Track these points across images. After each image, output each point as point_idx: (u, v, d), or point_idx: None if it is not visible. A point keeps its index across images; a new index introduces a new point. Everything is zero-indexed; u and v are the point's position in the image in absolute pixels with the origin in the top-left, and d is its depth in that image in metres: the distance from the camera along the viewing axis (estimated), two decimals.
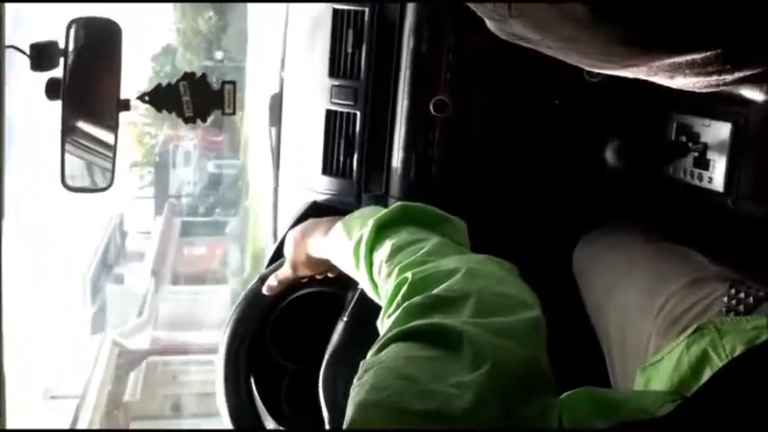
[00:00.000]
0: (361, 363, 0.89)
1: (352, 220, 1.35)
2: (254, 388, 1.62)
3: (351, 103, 1.75)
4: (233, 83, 1.76)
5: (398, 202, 1.28)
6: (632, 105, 1.75)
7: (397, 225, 1.22)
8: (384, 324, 1.03)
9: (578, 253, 1.77)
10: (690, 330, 1.18)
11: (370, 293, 1.25)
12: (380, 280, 1.16)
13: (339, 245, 1.34)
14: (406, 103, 1.72)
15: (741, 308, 1.34)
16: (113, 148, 1.55)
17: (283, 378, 1.66)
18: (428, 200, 1.70)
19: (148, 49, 15.28)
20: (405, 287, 1.02)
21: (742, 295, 1.36)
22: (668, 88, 1.45)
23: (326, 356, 1.52)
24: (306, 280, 1.59)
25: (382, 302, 1.11)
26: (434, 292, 0.97)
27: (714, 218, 1.65)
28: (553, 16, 0.93)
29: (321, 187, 1.83)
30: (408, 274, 1.04)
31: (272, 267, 1.61)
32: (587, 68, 1.15)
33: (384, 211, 1.26)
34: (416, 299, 0.97)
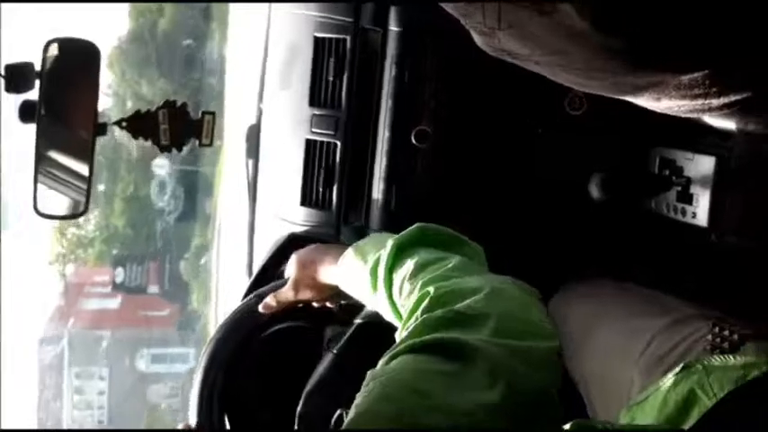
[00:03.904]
0: (369, 372, 0.87)
1: (364, 245, 1.34)
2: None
3: (331, 132, 1.73)
4: (213, 113, 1.74)
5: (416, 224, 1.25)
6: (614, 138, 1.74)
7: (417, 246, 1.21)
8: (400, 335, 1.01)
9: (553, 302, 1.75)
10: (677, 369, 1.16)
11: (387, 315, 1.23)
12: (401, 298, 1.15)
13: (351, 270, 1.33)
14: (387, 133, 1.70)
15: (726, 346, 1.33)
16: (89, 174, 1.51)
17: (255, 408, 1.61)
18: None
19: None
20: (426, 300, 1.01)
21: (726, 333, 1.35)
22: (650, 121, 1.46)
23: (309, 386, 1.48)
24: (301, 305, 1.55)
25: (399, 322, 1.09)
26: (455, 307, 0.96)
27: (697, 253, 1.64)
28: (544, 28, 0.92)
29: (299, 219, 1.80)
30: (431, 288, 1.03)
31: (270, 286, 1.55)
32: (574, 86, 1.14)
33: (402, 233, 1.23)
34: (437, 312, 0.96)
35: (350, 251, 1.35)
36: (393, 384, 0.83)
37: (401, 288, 1.15)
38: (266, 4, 1.99)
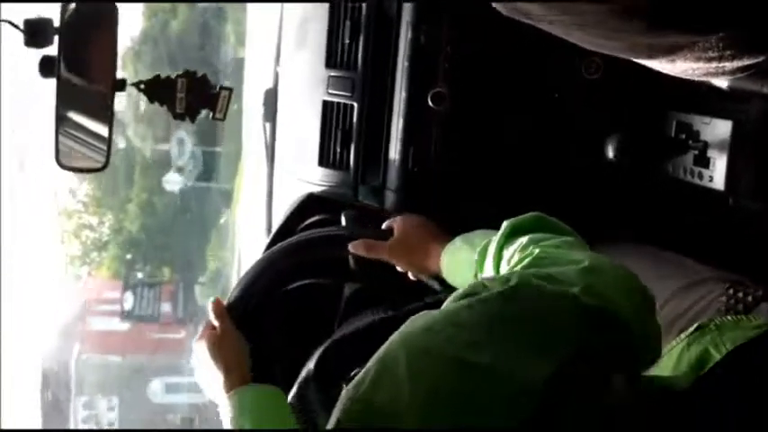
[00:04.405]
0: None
1: (473, 235, 1.36)
2: None
3: (348, 94, 1.74)
4: (230, 89, 1.75)
5: (532, 213, 1.23)
6: (631, 103, 1.74)
7: (531, 230, 1.19)
8: None
9: None
10: (691, 329, 1.17)
11: None
12: (507, 269, 1.14)
13: (457, 254, 1.36)
14: (403, 94, 1.70)
15: (740, 307, 1.34)
16: (109, 128, 1.52)
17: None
18: (426, 193, 1.70)
19: None
20: (528, 259, 1.02)
21: (740, 295, 1.36)
22: (667, 86, 1.45)
23: (342, 333, 1.49)
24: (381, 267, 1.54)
25: None
26: (549, 270, 0.95)
27: (715, 216, 1.63)
28: None
29: (317, 179, 1.81)
30: (537, 250, 1.04)
31: (370, 232, 1.55)
32: (589, 47, 1.13)
33: (517, 217, 1.23)
34: (530, 270, 0.96)
35: (458, 238, 1.37)
36: (441, 318, 0.84)
37: (510, 260, 1.14)
38: None
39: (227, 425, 1.37)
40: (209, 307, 1.51)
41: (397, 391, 0.77)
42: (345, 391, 0.82)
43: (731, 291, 1.37)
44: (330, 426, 0.80)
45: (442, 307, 0.89)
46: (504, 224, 1.21)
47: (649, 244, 1.65)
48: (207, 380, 1.46)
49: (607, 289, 0.93)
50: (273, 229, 1.82)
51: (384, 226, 1.54)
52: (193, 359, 1.48)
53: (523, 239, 1.13)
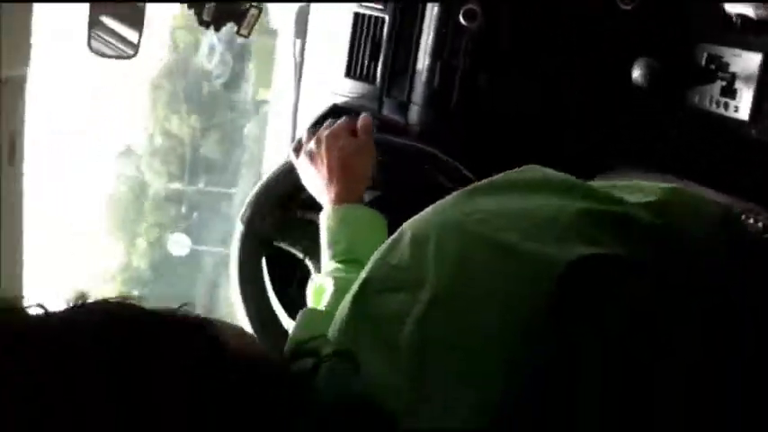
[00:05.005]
0: None
1: None
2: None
3: (380, 6, 1.74)
4: (260, 8, 1.76)
5: None
6: (663, 33, 1.73)
7: None
8: None
9: None
10: None
11: None
12: None
13: None
14: (435, 9, 1.70)
15: None
16: (140, 17, 1.54)
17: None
18: (450, 109, 1.71)
19: (114, 148, 12.25)
20: None
21: (752, 221, 1.37)
22: (700, 18, 1.43)
23: None
24: None
25: None
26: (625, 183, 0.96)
27: (736, 146, 1.63)
28: None
29: (343, 90, 1.82)
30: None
31: None
32: None
33: None
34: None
35: None
36: (473, 204, 0.86)
37: None
38: None
39: (322, 230, 1.34)
40: (360, 118, 1.45)
41: (425, 259, 0.80)
42: (377, 252, 0.85)
43: (743, 217, 1.38)
44: (357, 284, 0.83)
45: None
46: None
47: (670, 172, 1.65)
48: (316, 177, 1.40)
49: (682, 209, 0.90)
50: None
51: None
52: (311, 145, 1.42)
53: None
